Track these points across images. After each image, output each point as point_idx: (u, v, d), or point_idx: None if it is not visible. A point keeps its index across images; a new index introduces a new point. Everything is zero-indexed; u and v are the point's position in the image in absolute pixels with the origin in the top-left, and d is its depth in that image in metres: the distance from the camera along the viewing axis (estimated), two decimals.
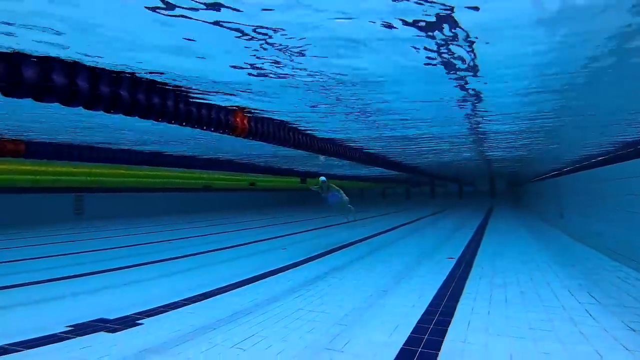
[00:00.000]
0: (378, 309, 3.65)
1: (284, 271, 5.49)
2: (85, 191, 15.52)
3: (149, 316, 3.51)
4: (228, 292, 4.34)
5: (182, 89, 3.06)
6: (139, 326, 3.24)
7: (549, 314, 3.40)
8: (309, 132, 5.48)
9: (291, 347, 2.77)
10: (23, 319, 3.52)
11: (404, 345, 2.80)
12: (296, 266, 5.85)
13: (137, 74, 2.72)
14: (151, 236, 10.47)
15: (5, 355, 2.63)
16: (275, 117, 4.38)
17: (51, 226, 13.39)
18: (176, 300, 4.00)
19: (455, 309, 3.61)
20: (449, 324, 3.21)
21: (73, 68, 2.12)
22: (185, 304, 3.87)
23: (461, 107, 4.64)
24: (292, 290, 4.38)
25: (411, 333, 3.02)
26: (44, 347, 2.80)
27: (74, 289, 4.62)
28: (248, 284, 4.73)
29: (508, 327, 3.10)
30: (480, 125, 5.97)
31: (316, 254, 6.93)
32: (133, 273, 5.61)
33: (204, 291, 4.34)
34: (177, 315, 3.53)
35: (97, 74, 2.20)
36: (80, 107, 2.64)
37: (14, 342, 2.86)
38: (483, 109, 4.81)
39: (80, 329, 3.16)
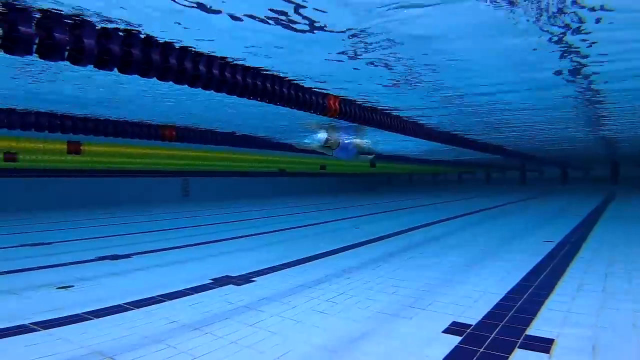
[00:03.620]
0: (462, 281, 3.80)
1: (364, 245, 5.92)
2: (192, 175, 18.19)
3: (259, 275, 4.29)
4: (317, 260, 4.94)
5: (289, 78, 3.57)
6: (254, 282, 4.02)
7: None
8: (389, 112, 5.65)
9: (377, 303, 3.18)
10: (182, 273, 4.54)
11: (493, 309, 2.96)
12: (376, 241, 6.23)
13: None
14: (247, 214, 11.99)
15: (179, 298, 3.56)
16: (359, 99, 4.66)
17: (167, 205, 16.22)
18: (277, 264, 4.76)
19: (555, 285, 3.57)
20: (547, 296, 3.23)
21: (211, 59, 2.85)
22: (283, 268, 4.58)
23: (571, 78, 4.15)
24: (373, 261, 4.78)
25: (500, 301, 3.14)
26: (202, 292, 3.71)
27: (202, 254, 5.76)
28: (332, 255, 5.28)
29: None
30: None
31: (395, 231, 7.20)
32: (242, 242, 6.68)
33: (297, 258, 5.04)
34: (279, 276, 4.23)
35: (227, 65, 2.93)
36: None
37: (185, 289, 3.81)
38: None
39: (218, 282, 4.07)
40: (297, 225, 8.86)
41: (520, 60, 3.53)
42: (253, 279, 4.12)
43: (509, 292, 3.37)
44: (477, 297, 3.26)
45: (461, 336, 2.50)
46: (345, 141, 7.11)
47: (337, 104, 3.87)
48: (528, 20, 2.62)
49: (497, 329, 2.61)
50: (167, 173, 15.89)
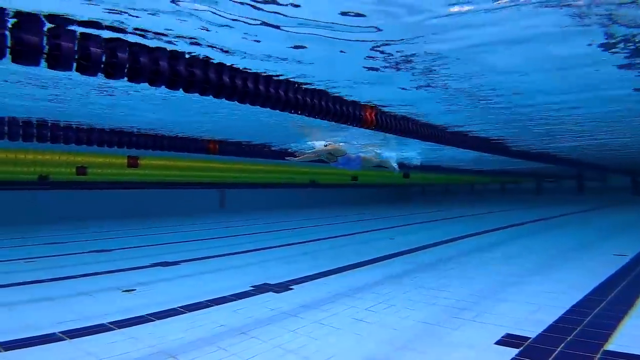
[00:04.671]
0: (514, 293, 3.54)
1: (401, 255, 5.76)
2: (227, 187, 18.87)
3: (297, 283, 4.31)
4: (354, 270, 4.88)
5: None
6: (292, 290, 4.06)
7: None
8: (427, 122, 5.53)
9: (418, 312, 3.06)
10: (225, 280, 4.68)
11: (556, 322, 2.72)
12: (414, 252, 6.05)
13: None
14: (282, 224, 12.22)
15: (224, 304, 3.67)
16: (398, 111, 4.65)
17: (206, 216, 16.82)
18: (314, 273, 4.76)
19: (635, 299, 3.21)
20: (627, 311, 2.91)
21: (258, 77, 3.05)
22: (320, 277, 4.57)
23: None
24: (412, 271, 4.64)
25: (564, 314, 2.88)
26: (245, 299, 3.82)
27: (241, 262, 5.94)
28: (368, 264, 5.19)
29: None
30: None
31: (433, 242, 6.92)
32: (279, 251, 6.79)
33: (333, 267, 5.01)
34: (317, 285, 4.23)
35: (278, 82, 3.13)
36: None
37: (230, 295, 3.93)
38: None
39: (258, 289, 4.16)
40: (332, 235, 8.83)
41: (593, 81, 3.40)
42: (291, 287, 4.16)
43: (574, 306, 3.08)
44: (533, 310, 3.01)
45: (518, 348, 2.32)
46: (350, 154, 6.17)
47: (373, 116, 3.89)
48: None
49: (563, 343, 2.38)
50: (206, 185, 16.66)
